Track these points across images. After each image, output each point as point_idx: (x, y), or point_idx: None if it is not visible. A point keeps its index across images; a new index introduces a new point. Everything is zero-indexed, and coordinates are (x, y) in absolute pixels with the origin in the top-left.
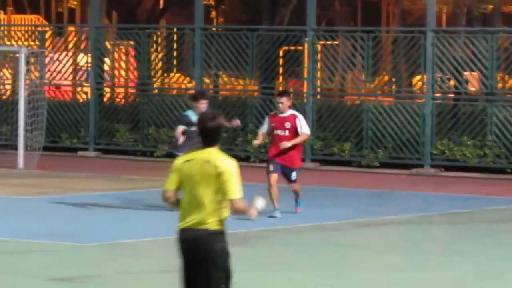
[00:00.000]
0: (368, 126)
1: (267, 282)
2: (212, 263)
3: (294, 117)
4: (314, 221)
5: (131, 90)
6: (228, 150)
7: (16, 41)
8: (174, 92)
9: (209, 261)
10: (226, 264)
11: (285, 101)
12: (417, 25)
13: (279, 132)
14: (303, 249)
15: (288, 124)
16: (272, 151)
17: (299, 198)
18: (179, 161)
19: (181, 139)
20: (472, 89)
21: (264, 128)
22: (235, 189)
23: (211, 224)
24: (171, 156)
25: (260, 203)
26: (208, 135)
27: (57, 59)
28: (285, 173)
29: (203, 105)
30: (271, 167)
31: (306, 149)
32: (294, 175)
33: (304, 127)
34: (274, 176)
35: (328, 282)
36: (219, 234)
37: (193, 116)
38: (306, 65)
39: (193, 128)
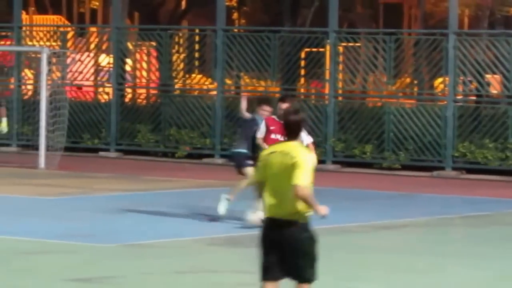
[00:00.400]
0: (390, 128)
1: (288, 284)
2: (296, 251)
3: None
4: (334, 223)
5: (153, 91)
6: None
7: (38, 42)
8: (196, 93)
9: (292, 249)
10: (312, 250)
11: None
12: (439, 27)
13: (279, 137)
14: (323, 251)
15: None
16: None
17: None
18: (265, 153)
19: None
20: (494, 91)
21: (262, 132)
22: (302, 176)
23: (293, 214)
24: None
25: (253, 218)
26: (291, 129)
27: (79, 60)
28: None
29: (263, 111)
30: None
31: (328, 151)
32: None
33: (308, 138)
34: None
35: (348, 285)
36: (301, 224)
37: (259, 119)
38: (327, 67)
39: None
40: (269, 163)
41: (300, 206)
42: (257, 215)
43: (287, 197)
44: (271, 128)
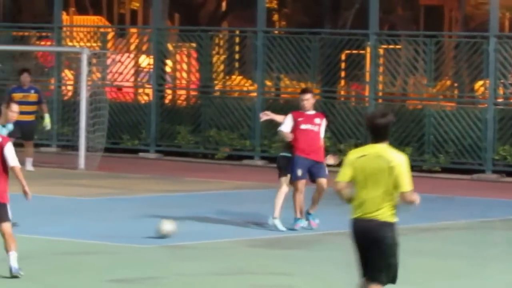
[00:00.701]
0: (430, 130)
1: (327, 287)
2: (382, 251)
3: (323, 115)
4: None
5: (193, 92)
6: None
7: (78, 42)
8: (236, 94)
9: (379, 249)
10: (395, 253)
11: (310, 98)
12: (480, 30)
13: (309, 126)
14: None
15: (318, 120)
16: (302, 147)
17: (315, 209)
18: (353, 155)
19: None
20: None
21: (288, 126)
22: (406, 182)
23: (383, 215)
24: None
25: (167, 226)
26: (378, 132)
27: (119, 61)
28: (314, 169)
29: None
30: (299, 172)
31: None
32: (326, 169)
33: (323, 133)
34: (303, 182)
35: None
36: (390, 225)
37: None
38: (368, 69)
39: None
40: (359, 165)
41: (390, 206)
42: (169, 225)
43: (379, 198)
44: (299, 119)
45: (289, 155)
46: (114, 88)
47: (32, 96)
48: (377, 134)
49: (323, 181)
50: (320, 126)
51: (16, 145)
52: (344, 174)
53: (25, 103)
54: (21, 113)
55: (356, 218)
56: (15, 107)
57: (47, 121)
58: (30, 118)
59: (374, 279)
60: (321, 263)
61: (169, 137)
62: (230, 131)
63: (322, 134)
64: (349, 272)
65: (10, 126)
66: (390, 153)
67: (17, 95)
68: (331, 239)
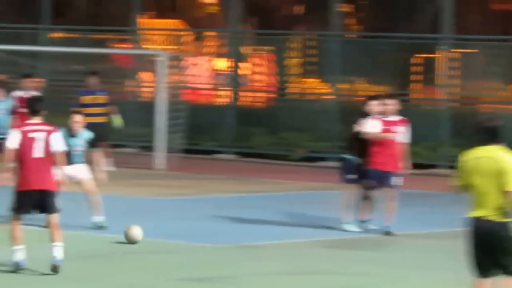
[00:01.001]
0: (504, 134)
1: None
2: (501, 250)
3: (406, 121)
4: (443, 227)
5: (269, 95)
6: None
7: (157, 45)
8: (311, 97)
9: (498, 248)
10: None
11: (393, 103)
12: None
13: (391, 136)
14: (436, 254)
15: (401, 129)
16: (378, 160)
17: (391, 220)
18: (465, 158)
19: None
20: None
21: (376, 128)
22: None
23: (496, 215)
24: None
25: (136, 232)
26: (489, 134)
27: (197, 63)
28: (385, 178)
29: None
30: (372, 182)
31: (439, 156)
32: (395, 179)
33: (406, 139)
34: (371, 188)
35: None
36: (504, 224)
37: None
38: (441, 72)
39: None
40: (475, 167)
41: (503, 207)
42: (138, 231)
43: (493, 199)
44: (384, 128)
45: (349, 157)
46: (192, 90)
47: (102, 98)
48: (488, 136)
49: (391, 190)
50: (402, 134)
51: (92, 147)
52: (459, 179)
53: (95, 105)
54: (93, 115)
55: (473, 217)
56: (75, 117)
57: (118, 121)
58: (102, 119)
59: (507, 273)
60: (396, 264)
61: (246, 139)
62: (306, 133)
63: (403, 141)
64: (423, 273)
65: (86, 134)
66: (499, 153)
67: (87, 98)
68: (406, 240)
